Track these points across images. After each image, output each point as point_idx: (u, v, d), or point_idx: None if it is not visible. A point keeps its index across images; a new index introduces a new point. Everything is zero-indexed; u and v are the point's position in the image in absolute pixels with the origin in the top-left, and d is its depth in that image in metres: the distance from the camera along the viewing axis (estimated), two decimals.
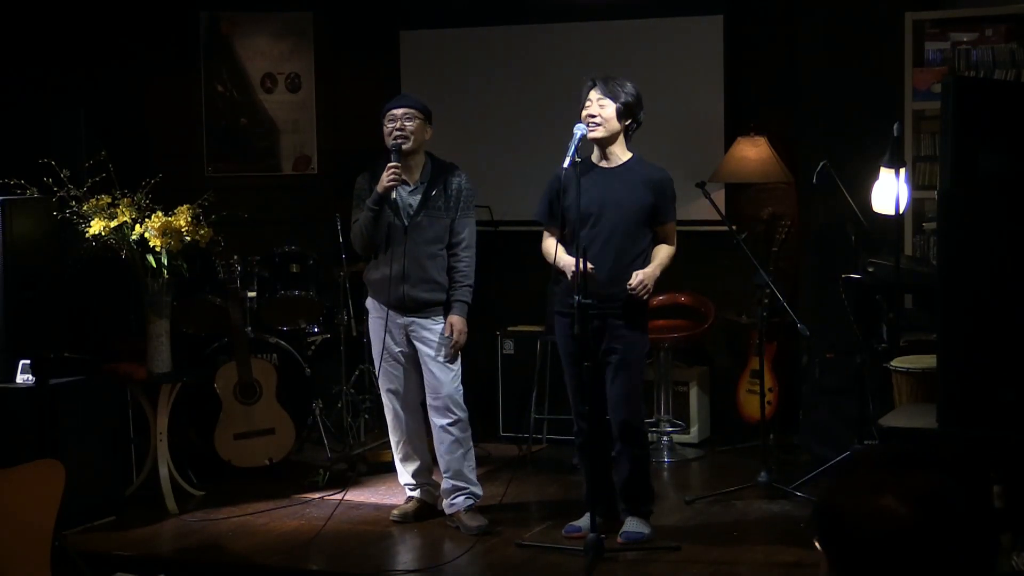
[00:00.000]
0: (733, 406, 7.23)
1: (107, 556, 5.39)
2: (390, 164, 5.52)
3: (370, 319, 5.80)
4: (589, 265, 5.11)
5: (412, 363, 5.73)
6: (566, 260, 5.24)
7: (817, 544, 1.76)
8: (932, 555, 1.67)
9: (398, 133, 5.56)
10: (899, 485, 1.70)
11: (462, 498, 5.71)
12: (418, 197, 5.64)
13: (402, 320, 5.66)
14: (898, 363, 5.68)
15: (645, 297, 5.31)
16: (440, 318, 5.65)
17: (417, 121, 5.60)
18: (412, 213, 5.62)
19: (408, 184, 5.64)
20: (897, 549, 1.67)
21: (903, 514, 1.67)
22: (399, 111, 5.61)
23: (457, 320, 5.63)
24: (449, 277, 5.66)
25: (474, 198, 5.76)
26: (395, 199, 5.61)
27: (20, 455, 4.90)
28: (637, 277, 5.25)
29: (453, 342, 5.63)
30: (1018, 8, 6.46)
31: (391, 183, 5.51)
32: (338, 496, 6.13)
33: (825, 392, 6.62)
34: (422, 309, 5.64)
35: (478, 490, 5.76)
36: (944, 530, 1.68)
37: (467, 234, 5.68)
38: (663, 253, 5.37)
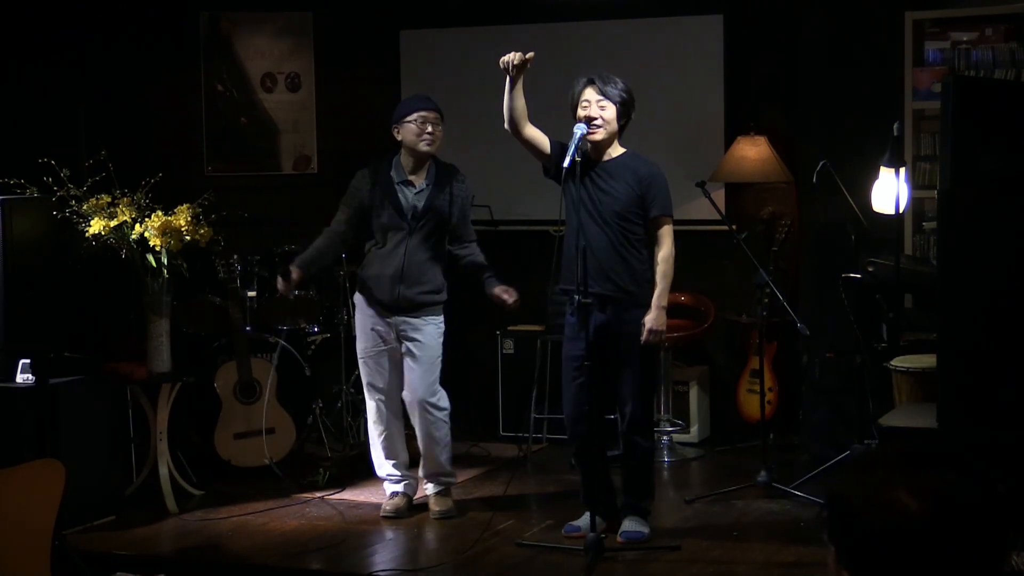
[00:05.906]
0: (733, 406, 7.23)
1: (107, 556, 5.39)
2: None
3: (357, 314, 5.90)
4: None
5: (398, 361, 5.80)
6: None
7: (826, 538, 1.76)
8: (939, 553, 1.67)
9: (428, 138, 5.67)
10: (913, 481, 1.69)
11: (436, 483, 5.89)
12: (423, 199, 5.73)
13: (392, 319, 5.74)
14: (898, 363, 5.68)
15: (663, 339, 5.39)
16: (430, 318, 5.76)
17: (441, 127, 5.73)
18: (417, 214, 5.71)
19: (414, 185, 5.74)
20: (904, 544, 1.66)
21: (914, 509, 1.66)
22: (432, 114, 5.72)
23: (500, 288, 5.75)
24: (470, 270, 5.84)
25: (473, 200, 5.95)
26: (400, 199, 5.71)
27: (20, 455, 4.91)
28: (645, 327, 5.24)
29: (513, 300, 5.72)
30: (1018, 8, 6.45)
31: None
32: (340, 495, 6.14)
33: (825, 392, 6.61)
34: (415, 309, 5.73)
35: (454, 479, 5.99)
36: (953, 529, 1.67)
37: (472, 233, 5.91)
38: (661, 281, 5.30)
